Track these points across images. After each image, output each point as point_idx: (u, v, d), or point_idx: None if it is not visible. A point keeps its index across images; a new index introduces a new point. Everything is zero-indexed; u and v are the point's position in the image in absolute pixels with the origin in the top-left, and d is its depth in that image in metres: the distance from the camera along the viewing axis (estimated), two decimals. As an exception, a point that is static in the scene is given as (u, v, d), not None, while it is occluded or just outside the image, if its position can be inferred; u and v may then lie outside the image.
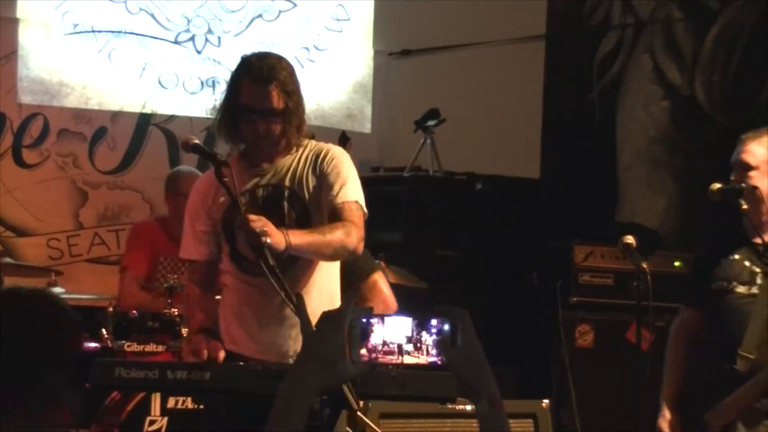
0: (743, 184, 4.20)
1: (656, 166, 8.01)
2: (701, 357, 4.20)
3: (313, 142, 3.82)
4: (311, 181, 3.75)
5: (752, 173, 4.17)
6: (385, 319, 2.04)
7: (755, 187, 4.16)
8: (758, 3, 7.95)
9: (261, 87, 3.66)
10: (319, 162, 3.76)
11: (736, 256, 4.19)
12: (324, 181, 3.73)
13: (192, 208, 3.87)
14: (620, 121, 8.14)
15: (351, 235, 3.62)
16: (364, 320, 2.03)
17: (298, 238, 3.52)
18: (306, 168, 3.76)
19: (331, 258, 3.74)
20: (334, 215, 3.67)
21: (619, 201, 8.06)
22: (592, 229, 6.79)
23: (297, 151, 3.78)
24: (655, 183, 7.98)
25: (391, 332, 2.04)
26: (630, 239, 4.07)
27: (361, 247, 3.68)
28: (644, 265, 3.94)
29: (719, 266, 4.17)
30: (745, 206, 4.16)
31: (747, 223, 4.20)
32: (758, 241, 4.13)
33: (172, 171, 6.08)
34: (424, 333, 2.05)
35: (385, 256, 5.79)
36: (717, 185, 4.27)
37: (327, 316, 2.08)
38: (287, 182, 3.75)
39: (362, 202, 3.75)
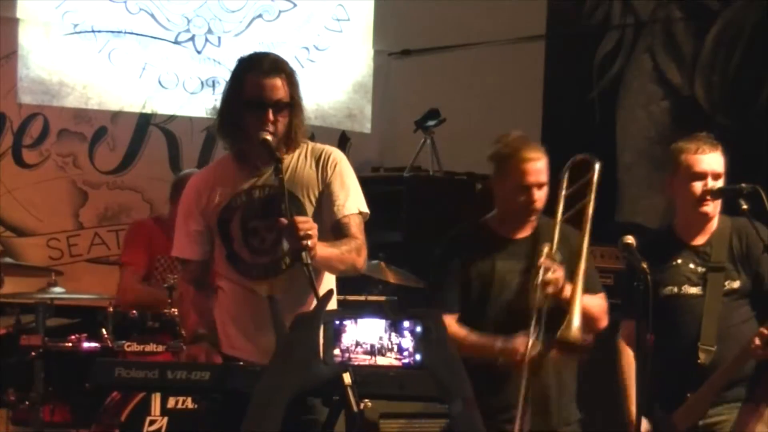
0: (743, 184, 4.22)
1: (656, 166, 8.00)
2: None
3: (310, 143, 3.82)
4: (314, 183, 3.73)
5: (719, 181, 4.28)
6: (358, 320, 2.06)
7: (757, 188, 4.16)
8: (758, 3, 7.95)
9: (269, 79, 3.64)
10: (321, 165, 3.75)
11: (679, 261, 4.30)
12: (327, 189, 3.72)
13: (186, 206, 3.84)
14: (620, 121, 8.14)
15: (361, 254, 3.67)
16: (337, 322, 2.04)
17: (322, 250, 3.50)
18: (305, 169, 3.75)
19: (340, 273, 3.74)
20: (339, 227, 3.68)
21: (619, 201, 8.06)
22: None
23: (294, 151, 3.78)
24: (655, 183, 7.97)
25: (364, 333, 2.05)
26: (630, 239, 4.06)
27: (365, 266, 3.72)
28: (644, 265, 3.92)
29: (663, 274, 4.22)
30: (745, 206, 4.18)
31: (679, 228, 4.37)
32: (696, 243, 4.29)
33: (182, 174, 6.02)
34: (395, 334, 2.06)
35: (385, 256, 5.79)
36: (717, 185, 4.28)
37: (301, 319, 2.08)
38: (285, 182, 3.74)
39: (364, 207, 3.76)
